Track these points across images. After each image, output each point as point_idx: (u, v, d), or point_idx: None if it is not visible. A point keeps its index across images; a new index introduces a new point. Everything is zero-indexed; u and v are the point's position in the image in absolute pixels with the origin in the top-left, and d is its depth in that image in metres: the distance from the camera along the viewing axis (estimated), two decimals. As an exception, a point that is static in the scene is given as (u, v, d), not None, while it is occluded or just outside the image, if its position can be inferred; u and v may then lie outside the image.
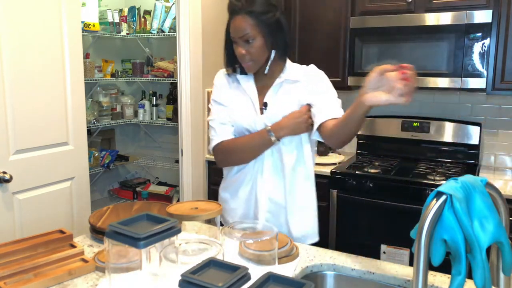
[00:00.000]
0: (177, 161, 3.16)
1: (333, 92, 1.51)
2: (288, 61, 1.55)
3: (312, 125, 1.46)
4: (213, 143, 1.54)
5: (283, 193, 1.54)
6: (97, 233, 1.40)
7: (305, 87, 1.50)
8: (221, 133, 1.53)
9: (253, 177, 1.54)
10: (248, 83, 1.54)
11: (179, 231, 0.99)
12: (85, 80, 2.26)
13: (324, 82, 1.52)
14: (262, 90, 1.54)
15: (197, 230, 1.42)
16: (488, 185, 0.80)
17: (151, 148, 3.78)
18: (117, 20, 3.32)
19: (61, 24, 2.09)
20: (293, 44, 1.47)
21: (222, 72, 1.61)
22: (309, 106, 1.49)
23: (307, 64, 1.58)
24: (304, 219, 1.60)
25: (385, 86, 1.08)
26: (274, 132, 1.45)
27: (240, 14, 1.38)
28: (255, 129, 1.50)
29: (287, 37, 1.47)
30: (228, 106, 1.54)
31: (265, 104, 1.51)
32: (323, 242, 2.58)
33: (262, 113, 1.51)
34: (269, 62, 1.49)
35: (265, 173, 1.52)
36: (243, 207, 1.58)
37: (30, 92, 1.96)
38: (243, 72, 1.54)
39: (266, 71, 1.51)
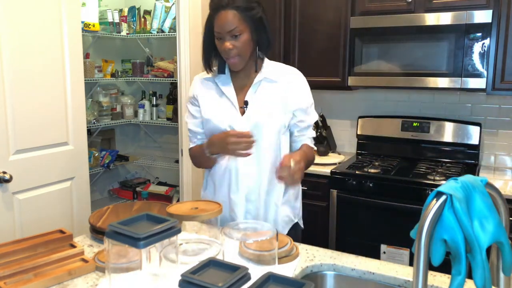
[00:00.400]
0: (177, 161, 3.16)
1: (312, 103, 1.61)
2: (266, 59, 1.58)
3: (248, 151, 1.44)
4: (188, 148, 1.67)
5: (259, 193, 1.55)
6: (97, 233, 1.40)
7: (289, 91, 1.54)
8: (191, 140, 1.64)
9: (228, 177, 1.55)
10: (226, 85, 1.55)
11: (179, 231, 0.99)
12: (85, 80, 2.26)
13: (308, 93, 1.60)
14: (240, 90, 1.55)
15: (197, 230, 1.42)
16: (488, 185, 0.80)
17: (151, 148, 3.78)
18: (117, 20, 3.32)
19: (61, 24, 2.09)
20: (274, 43, 1.54)
21: (198, 79, 1.63)
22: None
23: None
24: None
25: None
26: (207, 148, 1.52)
27: (227, 9, 1.40)
28: (236, 125, 1.51)
29: (269, 35, 1.51)
30: (203, 115, 1.57)
31: (246, 103, 1.52)
32: (323, 242, 2.59)
33: (243, 112, 1.52)
34: (257, 60, 1.52)
35: (240, 174, 1.53)
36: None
37: (30, 92, 1.96)
38: (221, 71, 1.55)
39: (256, 69, 1.53)
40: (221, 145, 1.45)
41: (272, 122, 1.52)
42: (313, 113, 1.61)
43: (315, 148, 1.66)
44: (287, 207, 1.61)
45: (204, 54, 1.54)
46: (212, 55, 1.53)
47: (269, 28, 1.50)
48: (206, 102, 1.57)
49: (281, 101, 1.53)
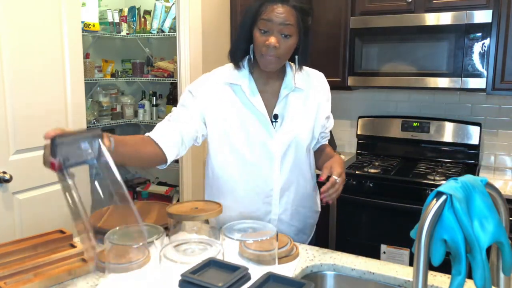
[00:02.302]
0: (177, 161, 3.15)
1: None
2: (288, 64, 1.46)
3: None
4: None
5: (297, 204, 1.51)
6: (97, 233, 1.39)
7: (317, 100, 1.46)
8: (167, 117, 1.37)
9: (263, 194, 1.44)
10: (254, 94, 1.37)
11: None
12: (85, 80, 2.26)
13: (330, 98, 1.53)
14: (266, 100, 1.40)
15: (197, 230, 1.42)
16: (488, 185, 0.80)
17: (151, 148, 3.78)
18: (117, 20, 3.33)
19: (61, 24, 2.09)
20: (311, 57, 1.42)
21: (212, 83, 1.40)
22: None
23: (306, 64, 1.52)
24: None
25: None
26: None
27: (286, 4, 1.25)
28: (267, 142, 1.38)
29: (310, 46, 1.37)
30: (228, 124, 1.38)
31: (276, 117, 1.39)
32: (323, 242, 2.59)
33: (273, 126, 1.39)
34: (295, 70, 1.40)
35: (277, 191, 1.44)
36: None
37: (30, 92, 1.96)
38: (251, 71, 1.39)
39: (294, 84, 1.39)
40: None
41: (305, 134, 1.43)
42: (332, 117, 1.56)
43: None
44: (316, 212, 1.63)
45: (236, 46, 1.36)
46: (245, 50, 1.35)
47: (311, 40, 1.36)
48: (228, 112, 1.38)
49: (311, 111, 1.43)
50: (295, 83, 1.40)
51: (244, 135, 1.37)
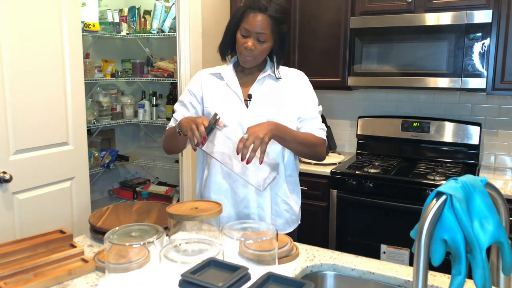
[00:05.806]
0: (177, 161, 3.15)
1: (314, 99, 1.62)
2: (269, 61, 1.62)
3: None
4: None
5: (269, 187, 1.55)
6: (97, 233, 1.40)
7: (292, 87, 1.58)
8: (170, 124, 1.62)
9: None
10: (231, 79, 1.58)
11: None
12: (85, 80, 2.26)
13: (309, 89, 1.62)
14: (245, 85, 1.59)
15: (197, 230, 1.42)
16: (488, 185, 0.80)
17: (151, 148, 3.78)
18: (117, 20, 3.32)
19: (61, 24, 2.09)
20: (289, 57, 1.58)
21: (201, 75, 1.64)
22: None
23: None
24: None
25: None
26: (178, 124, 1.45)
27: (265, 14, 1.45)
28: (241, 121, 1.51)
29: (286, 50, 1.57)
30: (208, 108, 1.57)
31: (250, 96, 1.56)
32: (323, 242, 2.59)
33: (247, 105, 1.55)
34: (274, 67, 1.57)
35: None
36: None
37: (30, 92, 1.96)
38: (235, 64, 1.60)
39: (277, 75, 1.56)
40: (187, 124, 1.36)
41: (275, 115, 1.52)
42: (313, 108, 1.60)
43: (323, 137, 1.59)
44: (295, 204, 1.64)
45: (223, 43, 1.59)
46: (229, 47, 1.58)
47: (288, 43, 1.57)
48: (211, 96, 1.58)
49: (285, 97, 1.56)
50: (273, 73, 1.57)
51: (224, 111, 1.50)
